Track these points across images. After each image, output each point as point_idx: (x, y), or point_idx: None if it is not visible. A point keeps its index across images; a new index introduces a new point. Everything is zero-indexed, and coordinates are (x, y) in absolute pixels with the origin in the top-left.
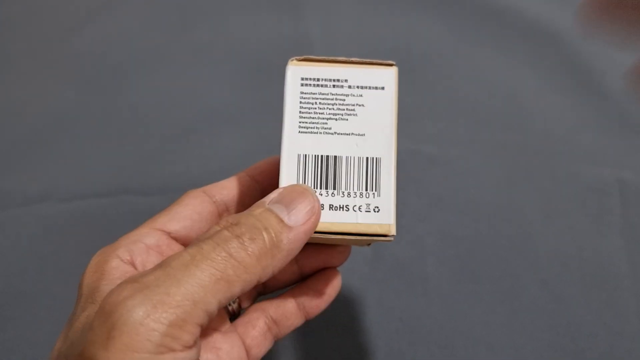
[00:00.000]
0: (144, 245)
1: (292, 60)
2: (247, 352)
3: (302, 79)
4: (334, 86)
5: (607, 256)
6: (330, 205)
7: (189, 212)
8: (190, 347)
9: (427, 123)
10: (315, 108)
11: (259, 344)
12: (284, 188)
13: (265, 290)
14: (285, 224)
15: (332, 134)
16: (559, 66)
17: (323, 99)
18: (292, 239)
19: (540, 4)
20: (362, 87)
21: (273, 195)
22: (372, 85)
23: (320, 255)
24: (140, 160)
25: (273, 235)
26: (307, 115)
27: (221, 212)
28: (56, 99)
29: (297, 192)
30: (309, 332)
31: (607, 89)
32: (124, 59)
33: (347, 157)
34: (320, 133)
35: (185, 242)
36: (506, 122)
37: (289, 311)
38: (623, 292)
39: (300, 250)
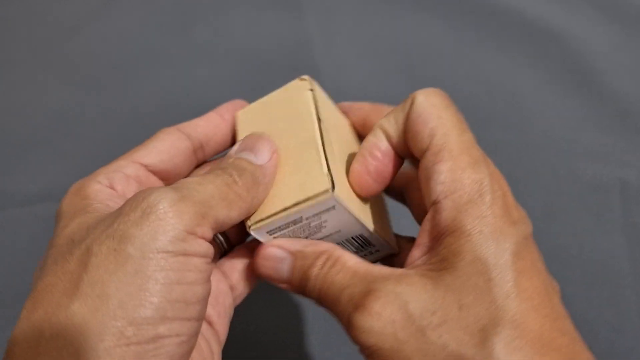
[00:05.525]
0: (123, 175)
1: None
2: (232, 288)
3: (268, 232)
4: (295, 223)
5: (608, 254)
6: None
7: (166, 146)
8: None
9: None
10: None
11: (240, 282)
12: (243, 138)
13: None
14: (255, 164)
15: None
16: (559, 66)
17: (293, 231)
18: (265, 174)
19: (540, 4)
20: (317, 214)
21: (235, 147)
22: (323, 209)
23: None
24: None
25: (250, 173)
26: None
27: (196, 149)
28: (56, 99)
29: (255, 137)
30: (311, 331)
31: (607, 89)
32: (124, 59)
33: None
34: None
35: (163, 176)
36: (506, 122)
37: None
38: (624, 290)
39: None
